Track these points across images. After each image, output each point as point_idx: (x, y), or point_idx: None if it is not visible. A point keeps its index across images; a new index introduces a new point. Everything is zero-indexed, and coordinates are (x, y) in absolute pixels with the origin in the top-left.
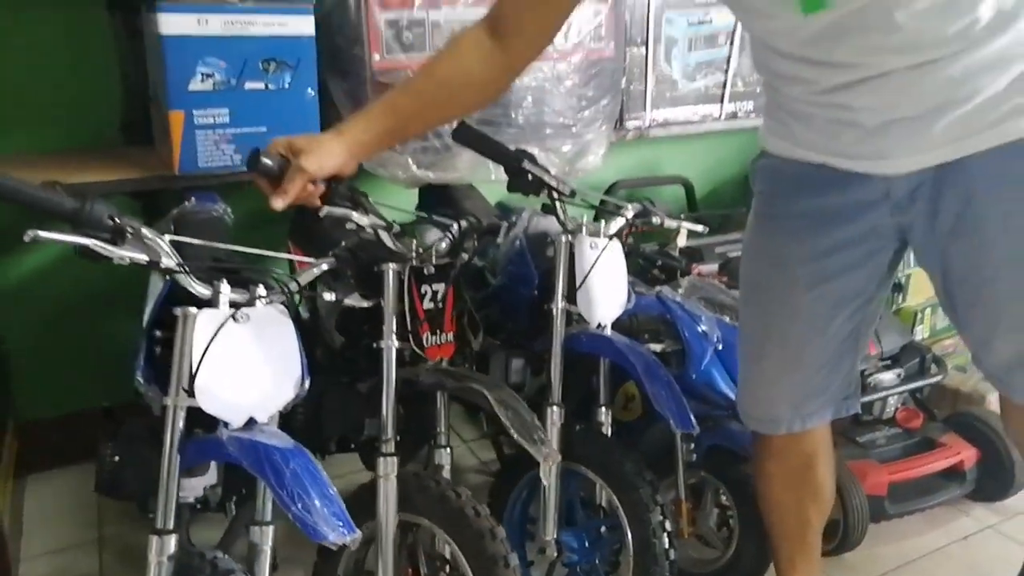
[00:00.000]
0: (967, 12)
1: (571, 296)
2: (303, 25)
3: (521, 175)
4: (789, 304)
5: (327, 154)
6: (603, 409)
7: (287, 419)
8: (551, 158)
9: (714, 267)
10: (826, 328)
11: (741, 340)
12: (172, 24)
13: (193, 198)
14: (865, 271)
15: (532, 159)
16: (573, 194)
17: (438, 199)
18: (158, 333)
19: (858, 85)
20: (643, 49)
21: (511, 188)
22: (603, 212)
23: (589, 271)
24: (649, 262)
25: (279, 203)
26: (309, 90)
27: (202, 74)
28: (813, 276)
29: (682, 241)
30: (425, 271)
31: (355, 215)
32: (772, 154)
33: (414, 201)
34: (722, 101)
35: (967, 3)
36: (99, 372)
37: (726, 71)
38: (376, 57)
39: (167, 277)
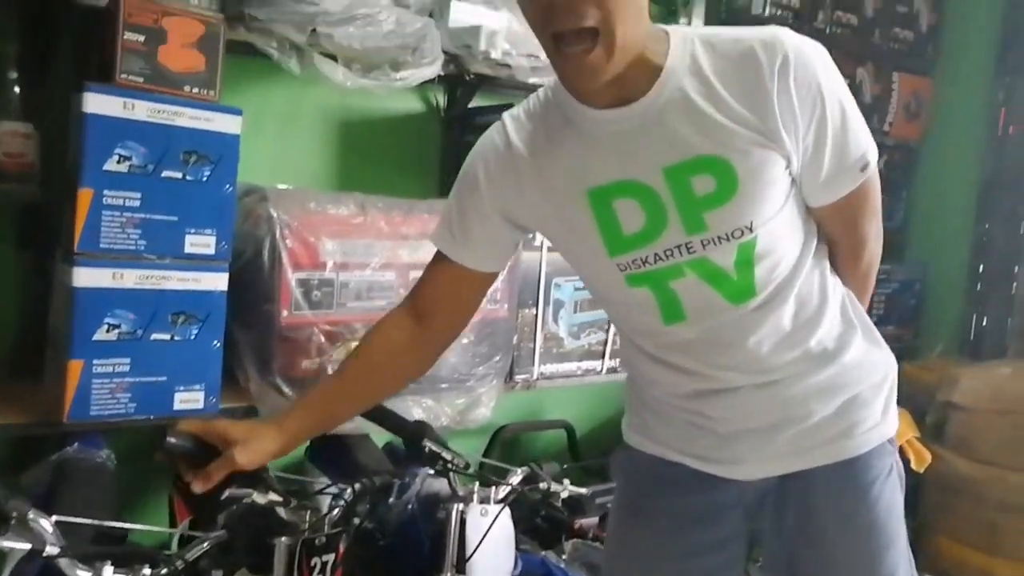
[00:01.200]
0: (799, 345)
1: (459, 564)
2: (217, 282)
3: (420, 449)
4: None
5: (261, 452)
6: None
7: None
8: (444, 409)
9: (595, 520)
10: None
11: None
12: (86, 277)
13: (76, 443)
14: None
15: (431, 433)
16: (467, 467)
17: (330, 449)
18: None
19: (712, 396)
20: (533, 310)
21: (408, 458)
22: (488, 477)
23: (480, 541)
24: (534, 512)
25: (199, 487)
26: (215, 342)
27: (108, 324)
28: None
29: (565, 494)
30: (316, 542)
31: (256, 495)
32: (633, 448)
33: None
34: (603, 357)
35: (799, 338)
36: None
37: (607, 330)
38: (284, 313)
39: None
